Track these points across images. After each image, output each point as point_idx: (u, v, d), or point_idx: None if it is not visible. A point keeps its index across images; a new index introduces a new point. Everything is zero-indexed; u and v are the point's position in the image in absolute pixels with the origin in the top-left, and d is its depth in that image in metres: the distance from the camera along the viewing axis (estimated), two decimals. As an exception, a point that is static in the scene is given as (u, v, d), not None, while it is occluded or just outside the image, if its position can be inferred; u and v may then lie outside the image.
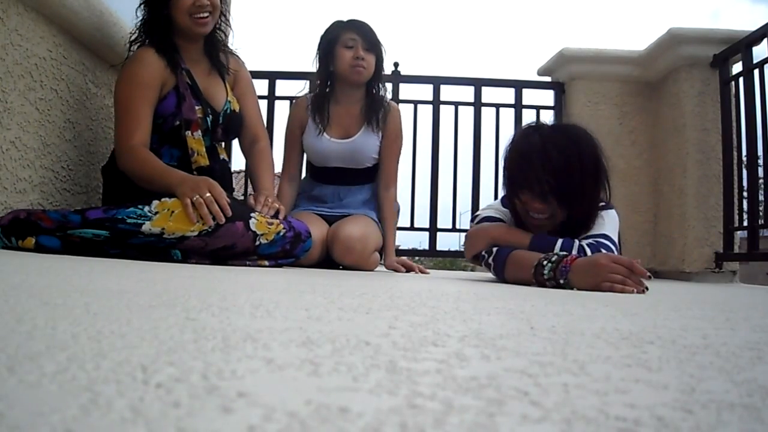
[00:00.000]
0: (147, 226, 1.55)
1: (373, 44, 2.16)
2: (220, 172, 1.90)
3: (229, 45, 2.03)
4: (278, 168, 2.29)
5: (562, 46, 2.97)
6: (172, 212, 1.58)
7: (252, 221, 1.65)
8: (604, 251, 1.39)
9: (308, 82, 2.39)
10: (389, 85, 2.87)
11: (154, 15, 1.83)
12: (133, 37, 1.88)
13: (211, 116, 1.86)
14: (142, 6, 1.86)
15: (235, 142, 2.17)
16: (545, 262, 1.34)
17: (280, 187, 2.26)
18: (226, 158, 2.02)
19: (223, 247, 1.61)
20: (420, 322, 0.52)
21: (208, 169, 1.82)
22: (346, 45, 2.14)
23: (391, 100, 2.86)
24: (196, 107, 1.82)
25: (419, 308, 0.65)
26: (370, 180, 2.28)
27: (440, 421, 0.22)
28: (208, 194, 1.59)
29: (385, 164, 2.28)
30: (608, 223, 1.52)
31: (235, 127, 1.98)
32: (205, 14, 1.81)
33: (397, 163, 2.32)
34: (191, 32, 1.83)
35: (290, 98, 2.76)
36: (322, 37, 2.19)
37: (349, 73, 2.14)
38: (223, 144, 2.04)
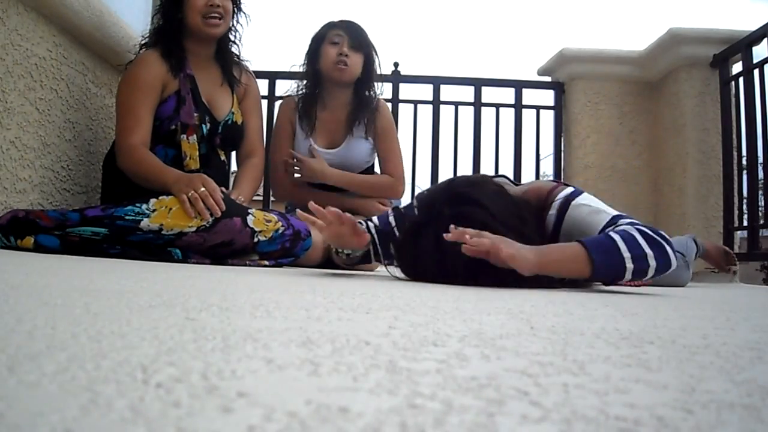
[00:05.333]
0: (145, 222, 1.57)
1: (359, 43, 2.10)
2: (215, 174, 1.89)
3: (243, 58, 2.05)
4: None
5: (562, 46, 2.97)
6: (170, 209, 1.60)
7: (249, 218, 1.66)
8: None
9: (295, 82, 2.26)
10: (389, 86, 2.87)
11: (168, 19, 1.86)
12: (143, 41, 1.90)
13: (209, 124, 1.88)
14: (158, 13, 1.90)
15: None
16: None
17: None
18: (225, 160, 2.02)
19: (222, 243, 1.62)
20: (420, 322, 0.52)
21: (198, 173, 1.82)
22: (332, 41, 2.09)
23: (391, 99, 2.86)
24: (195, 114, 1.84)
25: (419, 308, 0.65)
26: None
27: (440, 421, 0.22)
28: (203, 189, 1.61)
29: (385, 162, 2.20)
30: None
31: (235, 139, 2.00)
32: (217, 16, 1.84)
33: (400, 154, 2.24)
34: (202, 33, 1.87)
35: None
36: (312, 37, 2.16)
37: (332, 70, 2.08)
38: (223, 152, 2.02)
